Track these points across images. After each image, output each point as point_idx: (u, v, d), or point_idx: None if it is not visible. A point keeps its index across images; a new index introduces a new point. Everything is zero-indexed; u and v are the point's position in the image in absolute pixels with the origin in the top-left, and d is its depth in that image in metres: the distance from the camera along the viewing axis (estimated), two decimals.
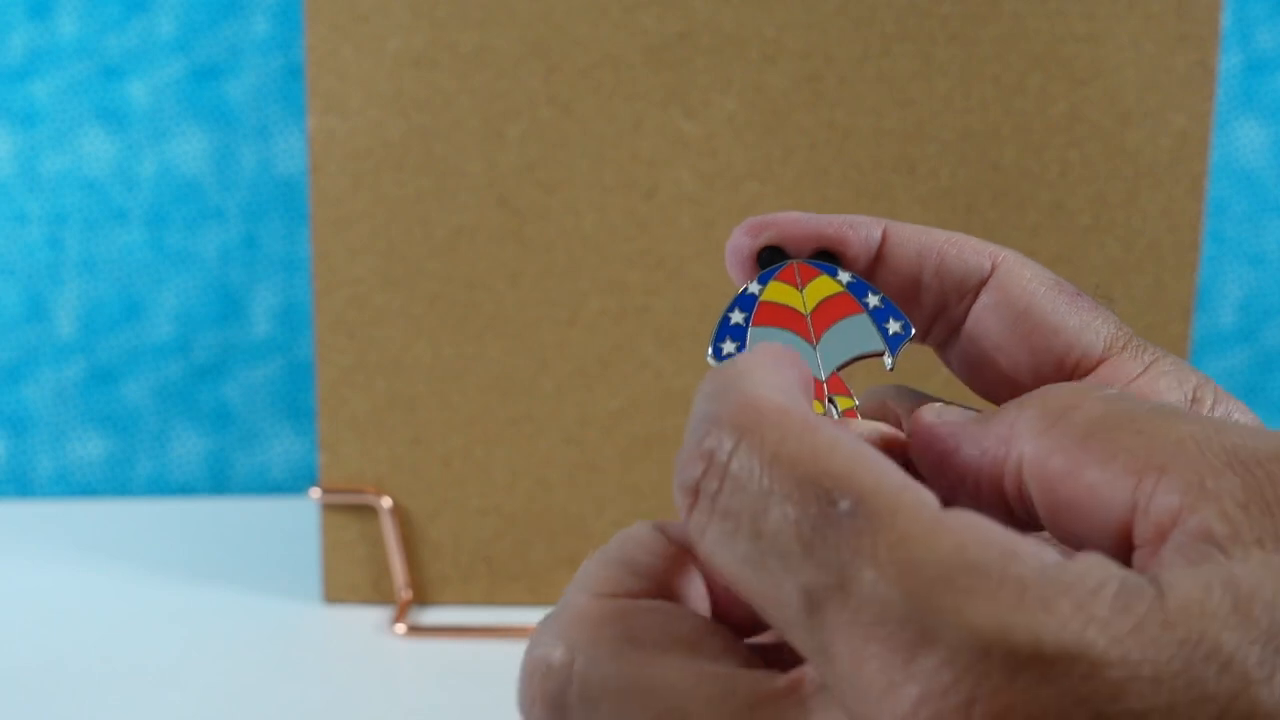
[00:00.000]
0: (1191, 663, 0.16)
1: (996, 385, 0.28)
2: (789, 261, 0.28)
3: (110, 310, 0.82)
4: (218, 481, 0.85)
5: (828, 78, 0.62)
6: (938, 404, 0.24)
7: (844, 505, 0.18)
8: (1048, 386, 0.22)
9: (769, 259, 0.28)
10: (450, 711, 0.56)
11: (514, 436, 0.65)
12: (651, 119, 0.62)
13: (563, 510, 0.66)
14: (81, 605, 0.66)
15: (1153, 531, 0.19)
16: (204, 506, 0.81)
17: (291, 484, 0.84)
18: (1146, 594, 0.17)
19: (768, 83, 0.62)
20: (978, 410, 0.23)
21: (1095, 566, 0.17)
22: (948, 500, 0.21)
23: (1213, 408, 0.25)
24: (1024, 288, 0.27)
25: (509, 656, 0.61)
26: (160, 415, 0.84)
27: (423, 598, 0.66)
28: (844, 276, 0.28)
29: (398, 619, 0.64)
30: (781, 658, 0.22)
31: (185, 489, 0.84)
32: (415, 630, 0.63)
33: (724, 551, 0.19)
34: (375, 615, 0.65)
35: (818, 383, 0.27)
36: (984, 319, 0.27)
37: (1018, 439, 0.21)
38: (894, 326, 0.27)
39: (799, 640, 0.18)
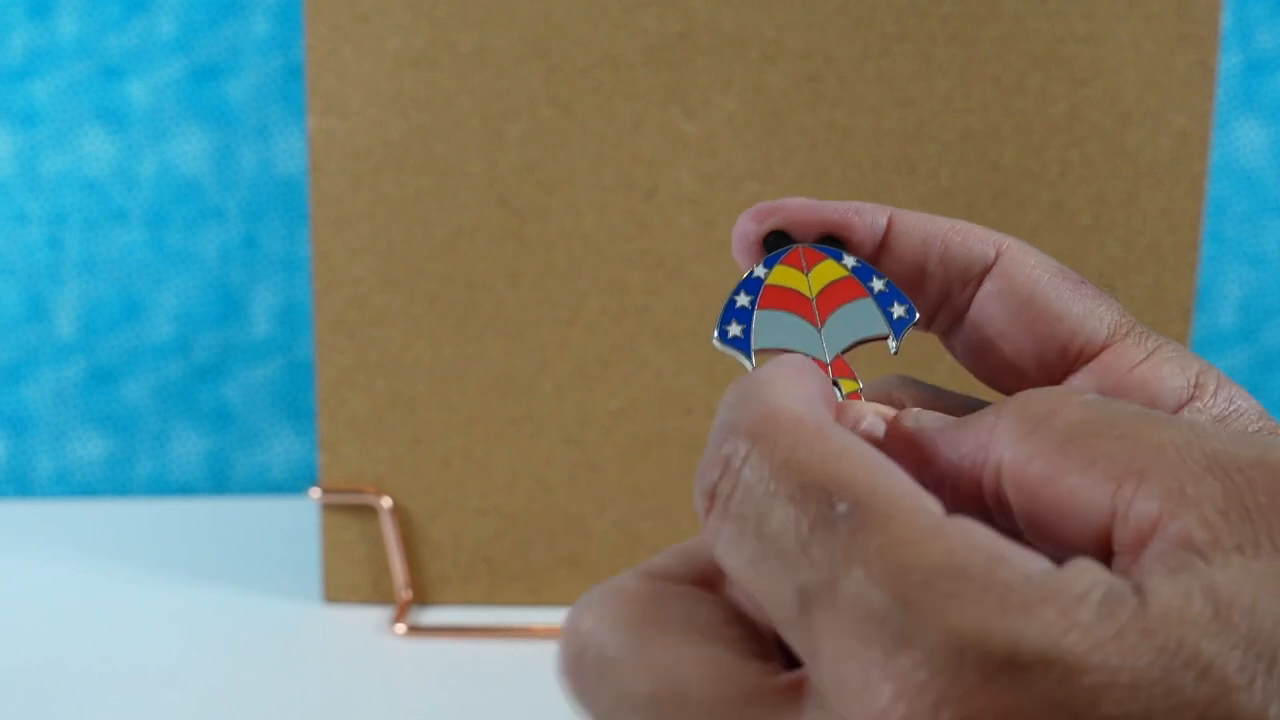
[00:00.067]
0: (1170, 670, 0.16)
1: (1000, 372, 0.28)
2: (794, 246, 0.28)
3: (110, 310, 0.82)
4: (218, 481, 0.85)
5: (828, 78, 0.62)
6: (915, 410, 0.24)
7: (841, 508, 0.18)
8: (1026, 391, 0.22)
9: (775, 243, 0.28)
10: (450, 711, 0.56)
11: (514, 436, 0.65)
12: (651, 119, 0.62)
13: (563, 510, 0.66)
14: (81, 605, 0.66)
15: (1133, 538, 0.19)
16: (204, 506, 0.81)
17: (291, 484, 0.84)
18: (1129, 601, 0.17)
19: (768, 83, 0.62)
20: (955, 417, 0.23)
21: (1083, 573, 0.17)
22: None
23: (1215, 393, 0.25)
24: (1028, 275, 0.27)
25: (509, 656, 0.61)
26: (160, 415, 0.84)
27: (423, 598, 0.66)
28: (849, 261, 0.28)
29: (398, 619, 0.64)
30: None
31: (185, 489, 0.84)
32: (415, 630, 0.63)
33: (733, 553, 0.19)
34: (375, 615, 0.65)
35: (822, 365, 0.27)
36: (988, 306, 0.27)
37: (997, 444, 0.21)
38: (898, 311, 0.27)
39: (794, 639, 0.19)
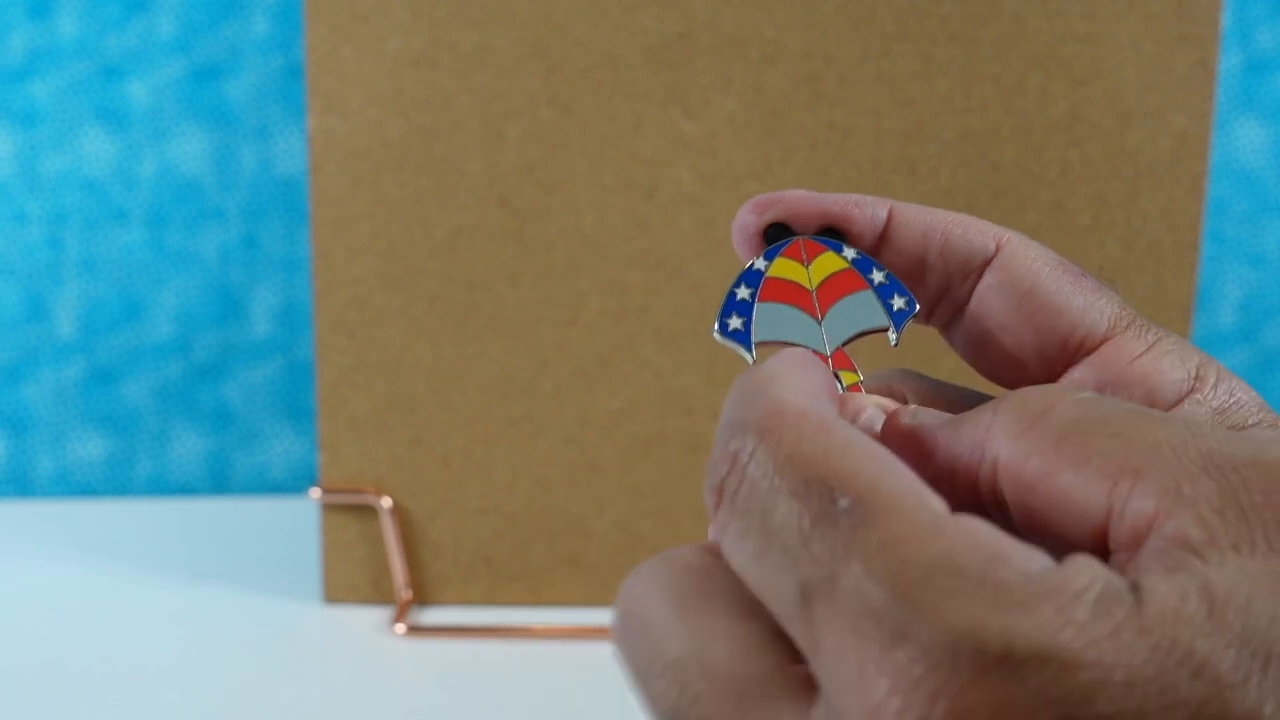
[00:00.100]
0: (1165, 668, 0.16)
1: (1000, 365, 0.28)
2: (795, 238, 0.28)
3: (110, 310, 0.82)
4: (218, 481, 0.85)
5: (828, 78, 0.62)
6: (913, 407, 0.24)
7: (843, 503, 0.18)
8: (1023, 389, 0.22)
9: (775, 236, 0.28)
10: (450, 711, 0.56)
11: (514, 436, 0.65)
12: (651, 119, 0.62)
13: (563, 510, 0.66)
14: (81, 605, 0.66)
15: (1128, 536, 0.19)
16: (204, 506, 0.81)
17: (291, 484, 0.84)
18: (1125, 599, 0.17)
19: (768, 83, 0.62)
20: (953, 413, 0.24)
21: (1081, 570, 0.17)
22: None
23: (1215, 386, 0.25)
24: (1028, 268, 0.27)
25: (509, 656, 0.61)
26: (160, 415, 0.84)
27: (423, 598, 0.66)
28: (849, 253, 0.28)
29: (398, 619, 0.64)
30: None
31: (185, 489, 0.84)
32: (415, 630, 0.63)
33: (739, 548, 0.20)
34: (375, 615, 0.65)
35: (822, 358, 0.27)
36: (988, 299, 0.27)
37: (993, 442, 0.21)
38: (898, 302, 0.27)
39: (796, 634, 0.19)
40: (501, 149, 0.62)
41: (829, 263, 0.28)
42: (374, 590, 0.66)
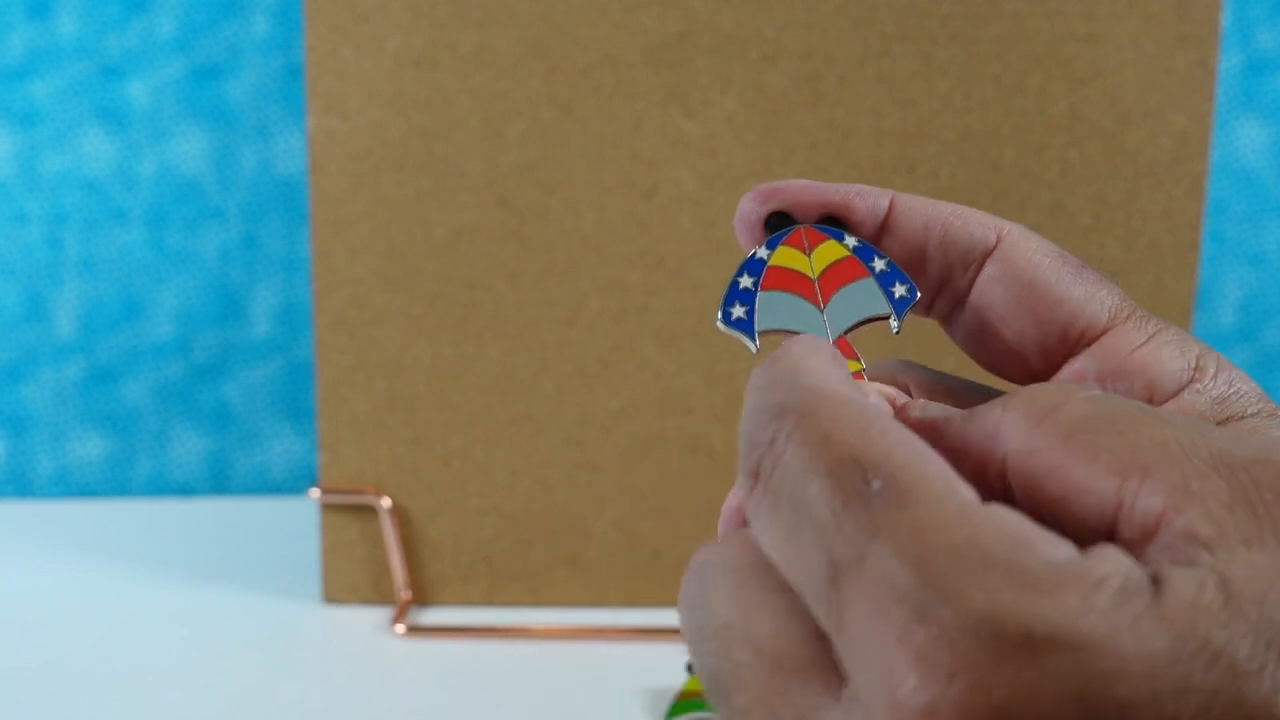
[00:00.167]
0: (1182, 656, 0.16)
1: (1001, 357, 0.28)
2: (796, 226, 0.28)
3: (110, 310, 0.82)
4: (218, 481, 0.85)
5: (828, 78, 0.62)
6: (921, 400, 0.25)
7: (876, 485, 0.19)
8: (1032, 386, 0.22)
9: (776, 225, 0.28)
10: (450, 711, 0.56)
11: (514, 436, 0.65)
12: (651, 119, 0.62)
13: (563, 510, 0.66)
14: (81, 605, 0.66)
15: (1137, 531, 0.19)
16: (204, 506, 0.81)
17: (291, 484, 0.84)
18: (1145, 589, 0.17)
19: (768, 83, 0.62)
20: (958, 403, 0.24)
21: (1104, 560, 0.17)
22: None
23: (1215, 376, 0.25)
24: (1029, 259, 0.27)
25: (509, 656, 0.61)
26: (160, 415, 0.84)
27: (422, 598, 0.66)
28: (850, 241, 0.28)
29: (397, 619, 0.64)
30: None
31: (185, 489, 0.84)
32: (415, 630, 0.63)
33: (770, 528, 0.20)
34: (375, 615, 0.65)
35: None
36: (989, 291, 0.27)
37: (1001, 437, 0.21)
38: (899, 290, 0.27)
39: (821, 612, 0.19)
40: (501, 149, 0.62)
41: (830, 251, 0.28)
42: (374, 590, 0.66)
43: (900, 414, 0.24)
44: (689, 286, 0.63)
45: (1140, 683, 0.16)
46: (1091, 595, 0.17)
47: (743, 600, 0.21)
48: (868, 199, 0.28)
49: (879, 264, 0.27)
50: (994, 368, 0.28)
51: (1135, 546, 0.19)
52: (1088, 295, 0.27)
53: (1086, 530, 0.20)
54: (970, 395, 0.28)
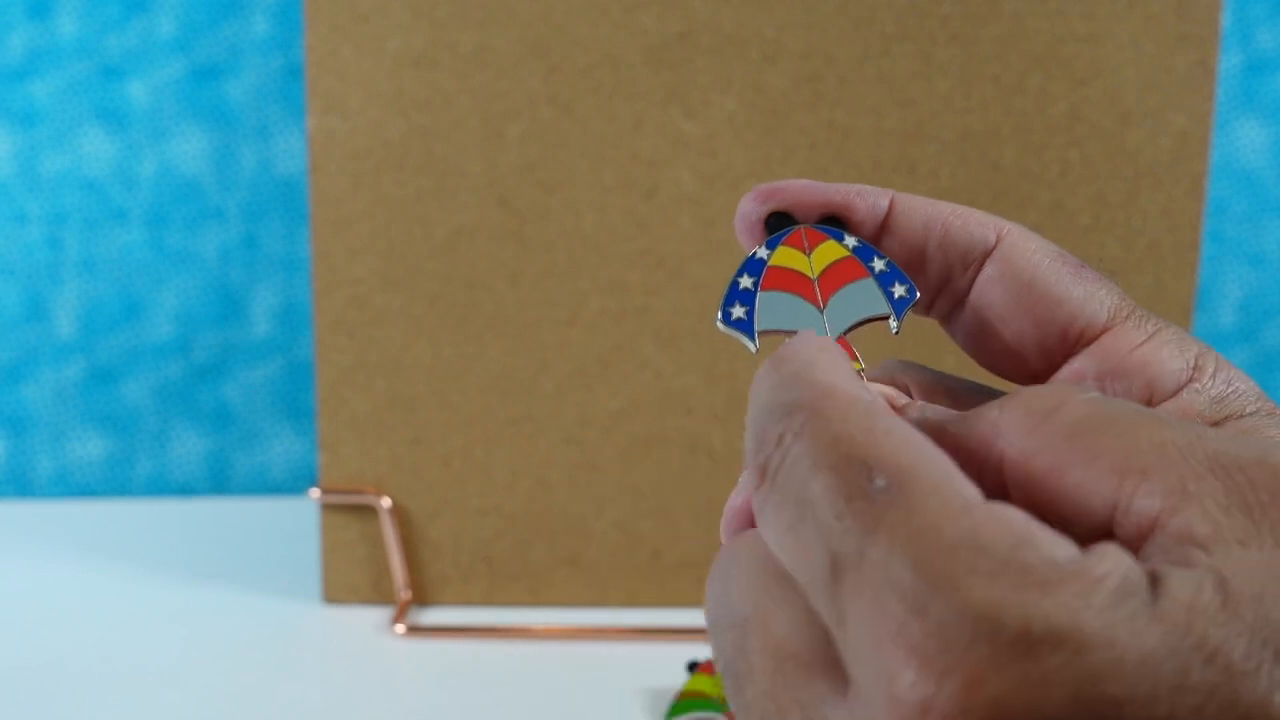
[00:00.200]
0: (1178, 654, 0.17)
1: (1000, 357, 0.28)
2: (796, 226, 0.28)
3: (110, 310, 0.82)
4: (218, 481, 0.85)
5: (828, 78, 0.62)
6: (920, 402, 0.25)
7: (879, 482, 0.19)
8: (1030, 388, 0.22)
9: (776, 225, 0.28)
10: (450, 711, 0.56)
11: (514, 436, 0.65)
12: (651, 119, 0.62)
13: (563, 510, 0.66)
14: (81, 605, 0.66)
15: (1134, 532, 0.19)
16: (204, 506, 0.81)
17: (291, 484, 0.84)
18: (1143, 588, 0.17)
19: (768, 83, 0.62)
20: (958, 404, 0.24)
21: (1104, 558, 0.18)
22: None
23: (1214, 375, 0.25)
24: (1029, 259, 0.27)
25: (509, 656, 0.61)
26: (160, 415, 0.84)
27: (422, 598, 0.66)
28: (850, 241, 0.28)
29: (397, 619, 0.64)
30: None
31: (185, 489, 0.84)
32: (415, 630, 0.63)
33: (775, 522, 0.20)
34: (375, 615, 0.65)
35: None
36: (988, 290, 0.27)
37: (1000, 438, 0.22)
38: (899, 290, 0.27)
39: (822, 607, 0.19)
40: (501, 149, 0.62)
41: (830, 251, 0.28)
42: (374, 590, 0.66)
43: (899, 415, 0.24)
44: (689, 286, 0.63)
45: (1137, 681, 0.16)
46: (1089, 592, 0.17)
47: (759, 596, 0.21)
48: (868, 199, 0.28)
49: (879, 264, 0.27)
50: (994, 367, 0.28)
51: (1132, 547, 0.19)
52: (1087, 295, 0.27)
53: (1083, 532, 0.20)
54: (970, 395, 0.28)
